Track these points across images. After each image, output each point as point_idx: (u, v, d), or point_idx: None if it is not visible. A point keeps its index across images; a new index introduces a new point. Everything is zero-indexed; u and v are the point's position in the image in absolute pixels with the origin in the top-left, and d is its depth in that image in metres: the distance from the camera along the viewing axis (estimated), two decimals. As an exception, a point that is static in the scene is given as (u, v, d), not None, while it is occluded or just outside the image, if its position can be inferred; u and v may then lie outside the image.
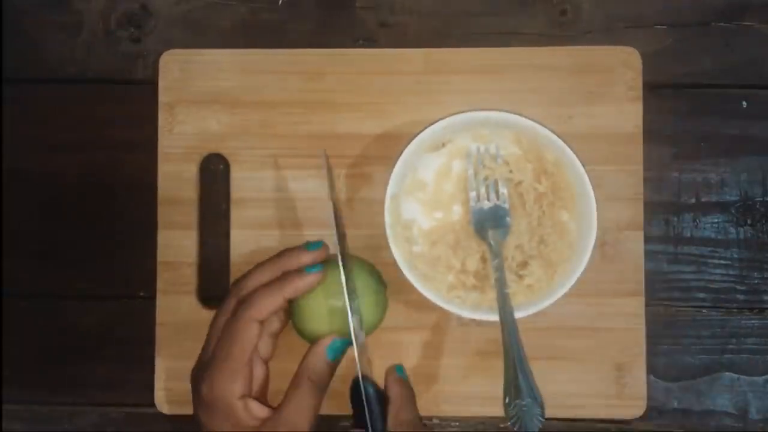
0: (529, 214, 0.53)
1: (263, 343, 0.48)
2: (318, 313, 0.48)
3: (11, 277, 0.58)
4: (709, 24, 0.57)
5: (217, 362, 0.45)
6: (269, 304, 0.46)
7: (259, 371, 0.47)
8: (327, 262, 0.48)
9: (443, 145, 0.53)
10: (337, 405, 0.54)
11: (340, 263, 0.47)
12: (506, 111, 0.51)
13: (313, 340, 0.48)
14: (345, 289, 0.47)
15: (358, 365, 0.46)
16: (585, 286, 0.51)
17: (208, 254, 0.56)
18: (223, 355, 0.45)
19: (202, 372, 0.46)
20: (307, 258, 0.48)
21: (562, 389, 0.54)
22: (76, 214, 0.57)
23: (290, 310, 0.49)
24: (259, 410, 0.45)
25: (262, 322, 0.46)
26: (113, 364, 0.57)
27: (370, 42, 0.57)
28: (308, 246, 0.49)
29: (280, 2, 0.58)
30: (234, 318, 0.46)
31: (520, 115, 0.51)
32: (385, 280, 0.51)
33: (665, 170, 0.56)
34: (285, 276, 0.47)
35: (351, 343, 0.47)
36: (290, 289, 0.46)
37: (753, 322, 0.56)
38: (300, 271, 0.47)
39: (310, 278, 0.47)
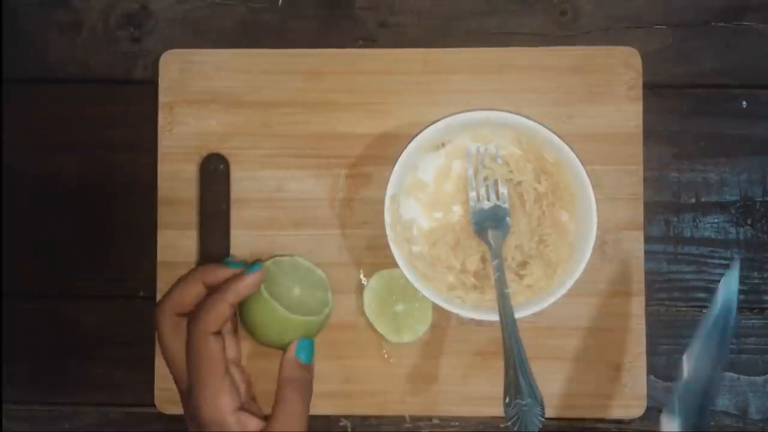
0: (529, 214, 0.53)
1: (228, 347, 0.47)
2: (270, 323, 0.48)
3: (11, 277, 0.58)
4: (709, 24, 0.57)
5: (197, 387, 0.44)
6: (217, 314, 0.45)
7: (237, 376, 0.47)
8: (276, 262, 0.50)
9: (443, 145, 0.53)
10: (337, 405, 0.54)
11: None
12: (506, 111, 0.51)
13: (278, 346, 0.48)
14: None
15: None
16: (585, 286, 0.51)
17: (208, 254, 0.56)
18: (198, 378, 0.44)
19: (188, 402, 0.45)
20: (227, 273, 0.47)
21: (562, 389, 0.54)
22: (76, 214, 0.57)
23: (240, 320, 0.50)
24: (253, 424, 0.44)
25: (218, 333, 0.45)
26: (113, 364, 0.57)
27: (370, 42, 0.57)
28: (229, 265, 0.47)
29: (280, 2, 0.58)
30: (190, 338, 0.45)
31: (520, 115, 0.51)
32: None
33: (665, 170, 0.56)
34: (224, 284, 0.46)
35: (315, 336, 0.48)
36: (231, 294, 0.45)
37: (753, 322, 0.56)
38: (239, 275, 0.46)
39: (251, 279, 0.46)
